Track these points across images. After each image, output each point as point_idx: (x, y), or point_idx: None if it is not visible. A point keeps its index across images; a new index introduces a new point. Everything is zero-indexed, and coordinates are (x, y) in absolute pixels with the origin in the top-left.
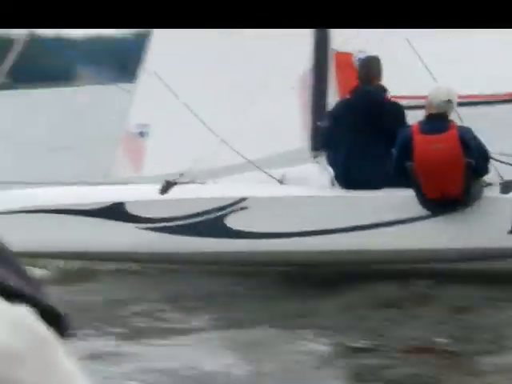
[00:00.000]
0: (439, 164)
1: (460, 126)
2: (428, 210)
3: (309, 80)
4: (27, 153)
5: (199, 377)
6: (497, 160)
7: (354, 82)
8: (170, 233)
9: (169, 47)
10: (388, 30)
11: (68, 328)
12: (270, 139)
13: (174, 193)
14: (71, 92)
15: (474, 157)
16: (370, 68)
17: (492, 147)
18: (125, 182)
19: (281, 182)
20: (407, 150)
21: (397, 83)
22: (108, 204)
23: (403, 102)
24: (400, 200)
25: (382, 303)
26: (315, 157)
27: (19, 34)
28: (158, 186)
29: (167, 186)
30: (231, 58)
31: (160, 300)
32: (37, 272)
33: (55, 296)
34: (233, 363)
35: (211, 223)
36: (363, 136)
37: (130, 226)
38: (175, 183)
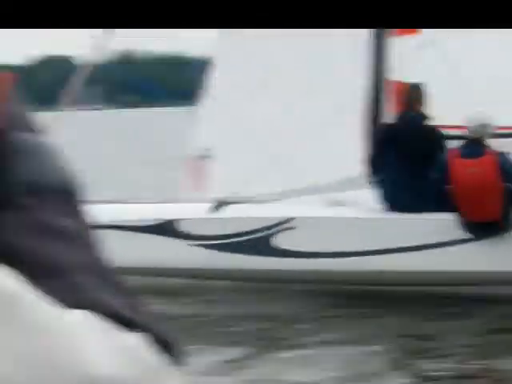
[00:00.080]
0: (475, 188)
1: (500, 152)
2: (470, 232)
3: (366, 108)
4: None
5: None
6: None
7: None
8: (219, 250)
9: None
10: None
11: (180, 354)
12: (329, 164)
13: (225, 212)
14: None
15: None
16: (413, 95)
17: None
18: (187, 202)
19: (336, 206)
20: (447, 173)
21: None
22: (162, 221)
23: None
24: (442, 223)
25: (503, 328)
26: (371, 182)
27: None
28: (211, 205)
29: (219, 205)
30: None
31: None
32: None
33: (164, 321)
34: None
35: (259, 242)
36: (407, 160)
37: (183, 242)
38: (227, 202)
